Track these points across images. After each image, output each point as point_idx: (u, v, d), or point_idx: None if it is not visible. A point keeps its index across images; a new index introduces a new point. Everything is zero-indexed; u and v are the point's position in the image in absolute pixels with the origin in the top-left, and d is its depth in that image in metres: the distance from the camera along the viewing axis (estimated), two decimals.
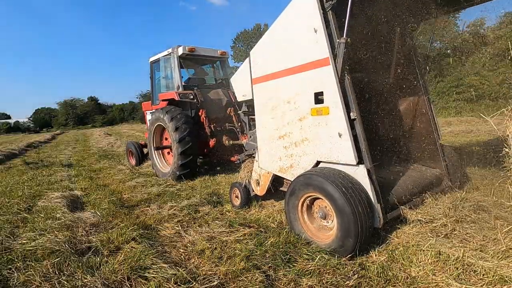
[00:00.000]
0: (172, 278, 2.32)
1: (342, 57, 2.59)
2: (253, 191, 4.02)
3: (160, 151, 6.74)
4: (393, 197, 2.93)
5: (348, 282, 2.22)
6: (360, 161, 2.62)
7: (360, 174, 2.64)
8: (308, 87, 2.94)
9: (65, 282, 2.35)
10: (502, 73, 16.19)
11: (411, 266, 2.36)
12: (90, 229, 3.43)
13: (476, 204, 3.10)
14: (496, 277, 2.09)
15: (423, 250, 2.48)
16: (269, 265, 2.47)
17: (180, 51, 6.38)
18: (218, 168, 6.88)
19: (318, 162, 2.98)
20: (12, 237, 3.25)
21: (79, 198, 4.91)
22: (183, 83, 6.39)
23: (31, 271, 2.49)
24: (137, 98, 58.34)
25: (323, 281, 2.24)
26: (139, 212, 4.17)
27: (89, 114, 68.87)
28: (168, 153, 6.56)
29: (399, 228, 2.92)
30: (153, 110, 7.10)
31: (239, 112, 4.96)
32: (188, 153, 5.69)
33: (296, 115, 3.13)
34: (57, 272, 2.50)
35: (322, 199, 2.71)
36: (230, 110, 6.36)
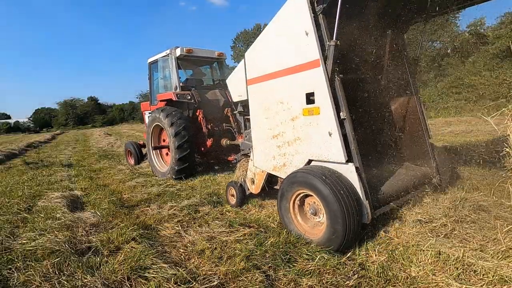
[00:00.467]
0: (172, 278, 2.32)
1: (332, 59, 2.68)
2: (248, 189, 4.09)
3: (158, 151, 6.84)
4: (382, 194, 3.02)
5: (348, 282, 2.22)
6: (349, 159, 2.70)
7: (349, 172, 2.71)
8: (300, 88, 3.03)
9: (65, 282, 2.35)
10: (502, 73, 16.19)
11: (411, 266, 2.36)
12: (90, 229, 3.43)
13: (476, 204, 3.11)
14: (496, 277, 2.09)
15: (423, 250, 2.48)
16: (269, 265, 2.47)
17: (178, 52, 6.48)
18: (217, 167, 6.88)
19: (310, 161, 3.06)
20: (12, 237, 3.25)
21: (79, 198, 4.91)
22: (181, 84, 6.47)
23: (31, 271, 2.49)
24: (137, 98, 58.32)
25: (323, 281, 2.24)
26: (139, 212, 4.17)
27: (89, 114, 68.88)
28: (167, 154, 6.62)
29: (399, 228, 2.92)
30: (151, 111, 7.17)
31: (235, 112, 5.04)
32: (185, 147, 5.78)
33: (289, 115, 3.22)
34: (57, 272, 2.50)
35: (312, 195, 2.80)
36: (227, 111, 6.43)
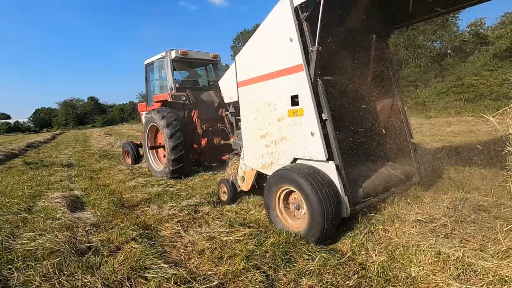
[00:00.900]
0: (172, 278, 2.32)
1: (314, 64, 2.86)
2: (239, 187, 4.30)
3: (154, 151, 6.96)
4: (362, 190, 3.18)
5: (348, 282, 2.22)
6: (330, 158, 2.88)
7: (330, 169, 2.89)
8: (286, 90, 3.21)
9: (65, 282, 2.35)
10: (502, 73, 16.20)
11: (411, 266, 2.36)
12: (90, 229, 3.43)
13: (476, 204, 3.11)
14: (496, 277, 2.09)
15: (423, 250, 2.47)
16: (269, 265, 2.47)
17: (173, 54, 6.61)
18: (217, 167, 6.88)
19: (295, 159, 3.25)
20: (12, 237, 3.25)
21: (79, 198, 4.91)
22: (176, 85, 6.59)
23: (31, 271, 2.49)
24: (137, 98, 58.41)
25: (323, 281, 2.24)
26: (139, 212, 4.17)
27: (89, 114, 68.98)
28: (164, 156, 6.68)
29: (399, 228, 2.92)
30: (148, 111, 7.30)
31: (227, 113, 5.21)
32: (180, 148, 5.85)
33: (276, 116, 3.40)
34: (57, 272, 2.50)
35: (295, 191, 2.99)
36: (222, 111, 6.56)
